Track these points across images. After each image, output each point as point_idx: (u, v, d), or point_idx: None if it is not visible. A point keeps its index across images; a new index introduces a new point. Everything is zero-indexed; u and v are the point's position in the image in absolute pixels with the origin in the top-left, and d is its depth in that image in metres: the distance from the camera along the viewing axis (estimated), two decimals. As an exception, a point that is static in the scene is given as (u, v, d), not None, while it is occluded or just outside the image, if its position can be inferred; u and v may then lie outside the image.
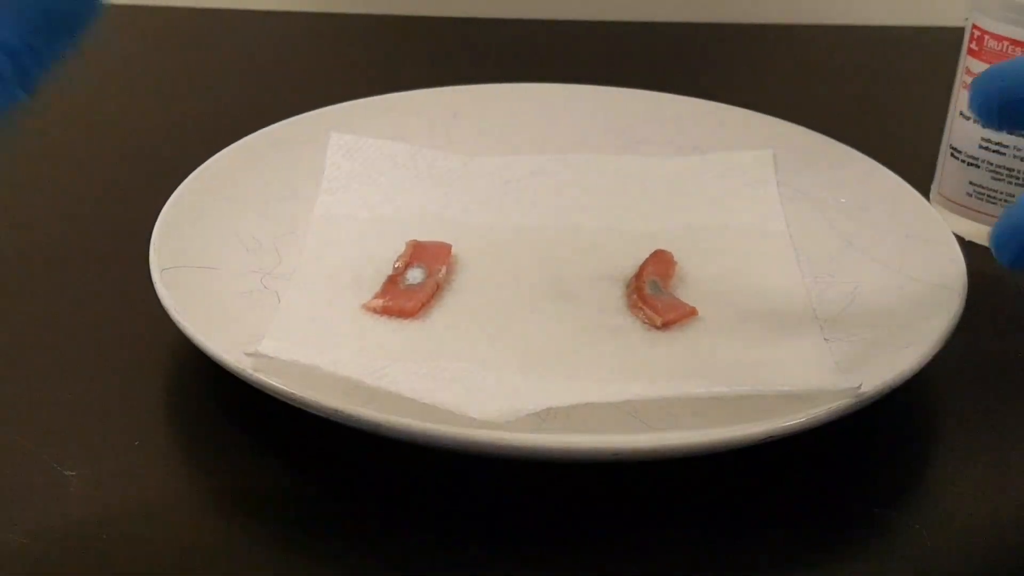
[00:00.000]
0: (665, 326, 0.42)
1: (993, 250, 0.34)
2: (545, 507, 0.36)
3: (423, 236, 0.46)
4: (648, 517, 0.36)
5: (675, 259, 0.46)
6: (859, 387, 0.36)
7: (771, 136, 0.52)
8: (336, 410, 0.34)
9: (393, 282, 0.44)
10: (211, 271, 0.42)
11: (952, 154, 0.50)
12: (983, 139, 0.49)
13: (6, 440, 0.37)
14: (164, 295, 0.38)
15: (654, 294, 0.43)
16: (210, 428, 0.38)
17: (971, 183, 0.50)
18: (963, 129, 0.50)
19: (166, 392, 0.40)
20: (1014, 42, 0.47)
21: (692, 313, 0.43)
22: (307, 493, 0.36)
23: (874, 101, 0.66)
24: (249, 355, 0.37)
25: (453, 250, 0.46)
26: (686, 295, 0.44)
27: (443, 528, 0.35)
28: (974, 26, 0.49)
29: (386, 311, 0.42)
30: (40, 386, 0.37)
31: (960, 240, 0.45)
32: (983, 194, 0.49)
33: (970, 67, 0.49)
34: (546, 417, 0.36)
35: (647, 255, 0.46)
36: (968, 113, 0.49)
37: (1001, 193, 0.49)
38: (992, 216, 0.50)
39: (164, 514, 0.35)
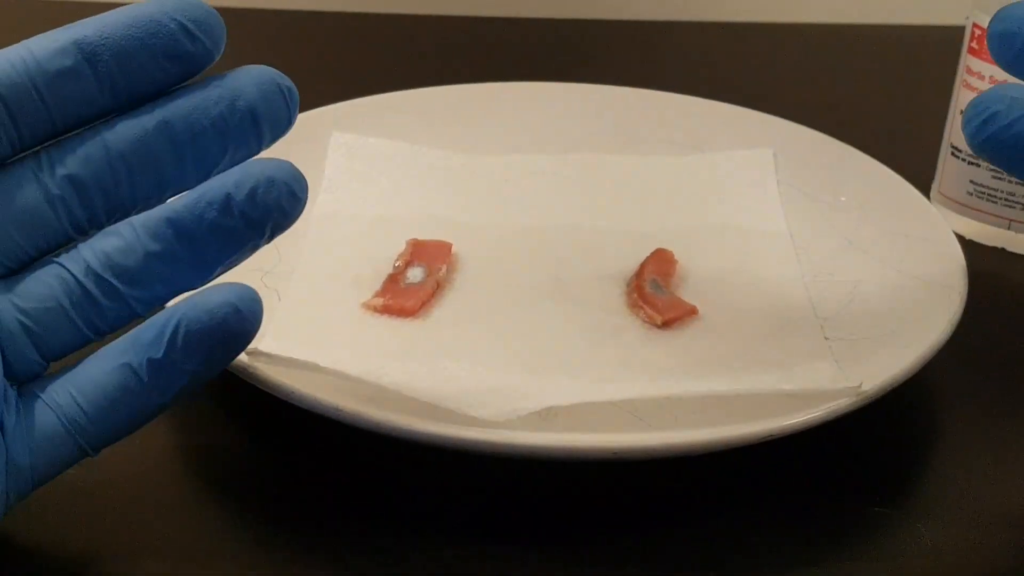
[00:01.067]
0: (665, 325, 0.42)
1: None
2: (545, 506, 0.36)
3: (423, 235, 0.46)
4: (648, 517, 0.36)
5: (675, 258, 0.46)
6: (859, 386, 0.36)
7: (771, 135, 0.52)
8: (336, 409, 0.34)
9: (393, 281, 0.44)
10: (211, 270, 0.42)
11: (953, 153, 0.50)
12: None
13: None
14: (164, 294, 0.38)
15: (654, 293, 0.43)
16: (210, 426, 0.38)
17: (972, 182, 0.50)
18: None
19: (166, 391, 0.40)
20: (1015, 41, 0.47)
21: (692, 312, 0.43)
22: (307, 492, 0.36)
23: (874, 100, 0.66)
24: (249, 353, 0.37)
25: (453, 249, 0.46)
26: (686, 294, 0.44)
27: (443, 527, 0.35)
28: (975, 25, 0.49)
29: (386, 310, 0.42)
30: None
31: (960, 239, 0.45)
32: (984, 193, 0.49)
33: (971, 66, 0.49)
34: (546, 416, 0.36)
35: (647, 254, 0.46)
36: None
37: (1002, 192, 0.49)
38: (993, 215, 0.50)
39: (163, 513, 0.35)
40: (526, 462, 0.36)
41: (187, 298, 0.31)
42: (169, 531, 0.34)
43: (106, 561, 0.33)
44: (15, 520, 0.34)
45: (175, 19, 0.30)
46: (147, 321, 0.31)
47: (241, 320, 0.31)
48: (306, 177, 0.48)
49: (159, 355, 0.30)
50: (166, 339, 0.30)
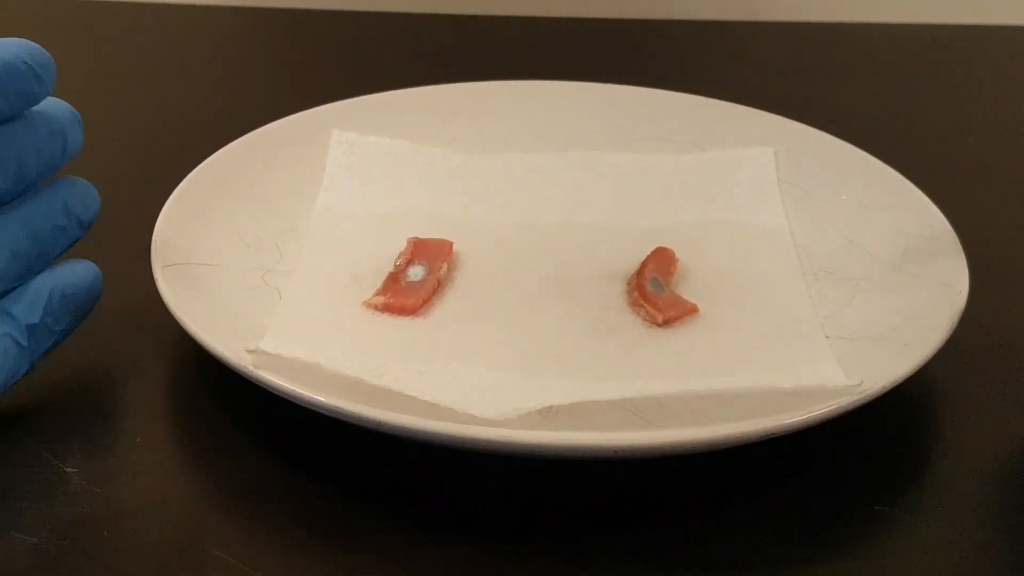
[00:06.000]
0: (666, 323, 0.42)
1: None
2: (545, 505, 0.36)
3: (424, 233, 0.46)
4: (648, 515, 0.36)
5: (676, 256, 0.46)
6: (860, 384, 0.36)
7: (772, 133, 0.52)
8: (337, 408, 0.34)
9: (394, 279, 0.44)
10: (212, 268, 0.42)
11: None
12: None
13: (8, 437, 0.37)
14: (165, 292, 0.38)
15: (655, 291, 0.43)
16: (211, 425, 0.38)
17: None
18: None
19: (167, 389, 0.40)
20: None
21: (693, 311, 0.43)
22: (308, 491, 0.36)
23: (875, 98, 0.66)
24: (250, 352, 0.37)
25: (454, 247, 0.46)
26: (687, 292, 0.44)
27: (443, 526, 0.35)
28: None
29: (387, 308, 0.42)
30: (41, 382, 0.37)
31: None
32: None
33: None
34: (547, 414, 0.37)
35: (648, 252, 0.46)
36: None
37: None
38: None
39: (164, 511, 0.35)
40: (526, 461, 0.36)
41: (46, 272, 0.37)
42: (168, 527, 0.34)
43: (106, 560, 0.33)
44: (15, 520, 0.34)
45: (26, 63, 0.35)
46: (10, 295, 0.36)
47: (100, 283, 0.38)
48: (307, 176, 0.49)
49: (36, 320, 0.36)
50: (42, 306, 0.36)
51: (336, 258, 0.45)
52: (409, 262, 0.44)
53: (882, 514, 0.36)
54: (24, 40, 0.36)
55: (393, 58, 0.68)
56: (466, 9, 0.74)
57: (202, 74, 0.65)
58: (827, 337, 0.41)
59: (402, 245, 0.45)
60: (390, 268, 0.44)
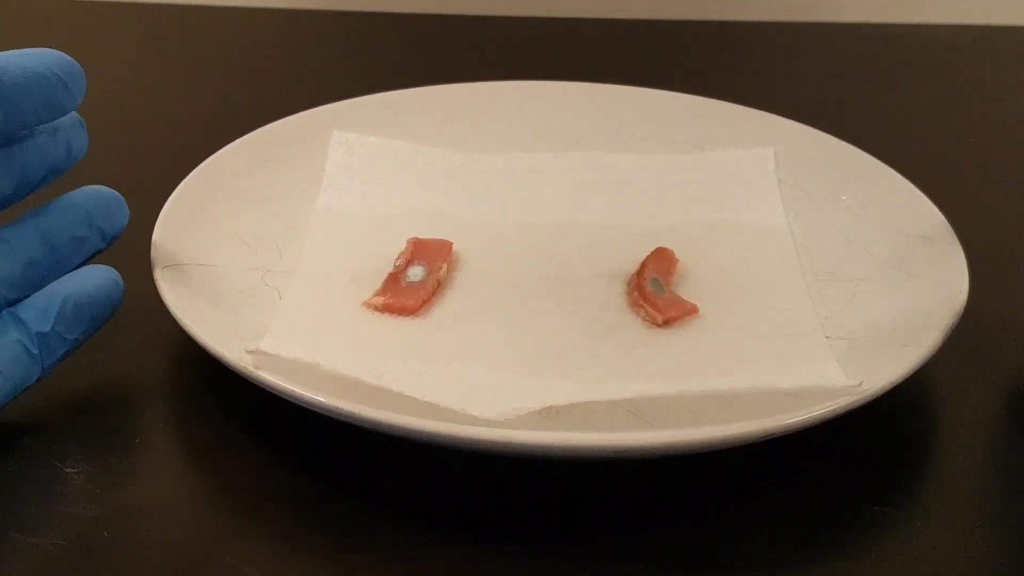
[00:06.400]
0: (666, 324, 0.42)
1: None
2: (545, 505, 0.36)
3: (424, 234, 0.46)
4: (648, 516, 0.36)
5: (676, 256, 0.46)
6: (860, 385, 0.36)
7: (772, 134, 0.52)
8: (337, 408, 0.34)
9: (394, 280, 0.44)
10: (212, 268, 0.42)
11: None
12: None
13: (7, 437, 0.37)
14: (165, 293, 0.38)
15: (655, 292, 0.43)
16: (211, 426, 0.38)
17: None
18: None
19: (167, 389, 0.40)
20: None
21: (693, 311, 0.43)
22: (308, 491, 0.36)
23: (875, 98, 0.66)
24: (250, 353, 0.37)
25: (454, 248, 0.46)
26: (687, 293, 0.44)
27: (443, 526, 0.35)
28: None
29: (387, 309, 0.42)
30: (41, 382, 0.37)
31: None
32: None
33: None
34: (547, 415, 0.37)
35: (648, 252, 0.46)
36: None
37: None
38: None
39: (164, 512, 0.35)
40: (526, 461, 0.36)
41: (62, 279, 0.37)
42: (168, 528, 0.34)
43: (106, 560, 0.33)
44: (16, 520, 0.34)
45: (56, 74, 0.35)
46: (24, 302, 0.36)
47: (120, 291, 0.38)
48: (307, 176, 0.49)
49: (46, 328, 0.36)
50: (54, 314, 0.36)
51: (336, 258, 0.45)
52: (409, 262, 0.44)
53: (882, 514, 0.36)
54: (54, 51, 0.36)
55: (393, 58, 0.68)
56: (466, 9, 0.74)
57: (202, 74, 0.65)
58: (827, 337, 0.41)
59: (402, 245, 0.45)
60: (390, 268, 0.44)
